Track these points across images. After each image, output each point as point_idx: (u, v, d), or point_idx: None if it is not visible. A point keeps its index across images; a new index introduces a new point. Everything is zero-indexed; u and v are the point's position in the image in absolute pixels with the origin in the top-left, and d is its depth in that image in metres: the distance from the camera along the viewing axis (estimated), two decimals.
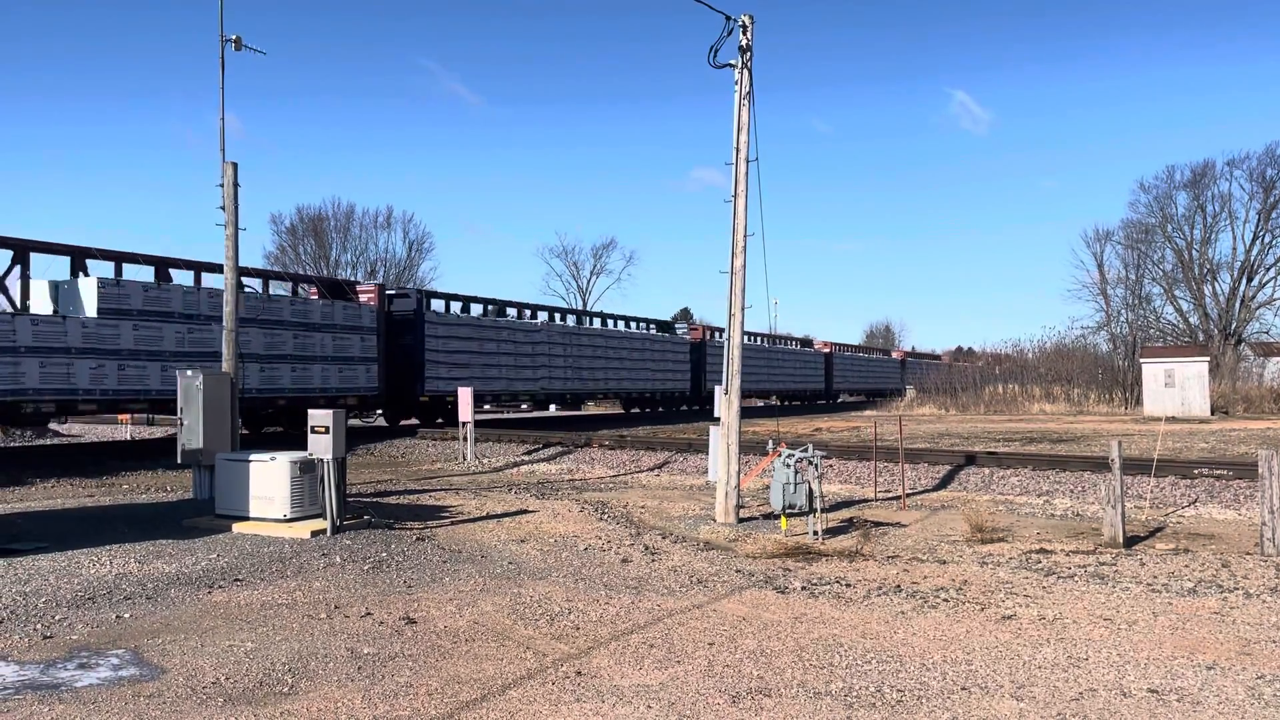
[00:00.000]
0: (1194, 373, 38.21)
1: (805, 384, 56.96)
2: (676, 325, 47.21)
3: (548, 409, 46.93)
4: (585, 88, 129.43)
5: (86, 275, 20.31)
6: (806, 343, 60.53)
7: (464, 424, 22.21)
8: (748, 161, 12.79)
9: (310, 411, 11.40)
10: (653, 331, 43.62)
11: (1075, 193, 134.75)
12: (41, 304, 19.81)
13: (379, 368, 27.16)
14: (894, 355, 77.86)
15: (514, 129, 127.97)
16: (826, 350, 61.02)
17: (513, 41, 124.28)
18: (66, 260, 20.58)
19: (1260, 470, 10.66)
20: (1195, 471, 15.64)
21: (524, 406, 46.04)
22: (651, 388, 42.09)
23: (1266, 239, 65.38)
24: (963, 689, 5.99)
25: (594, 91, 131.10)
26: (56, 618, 7.49)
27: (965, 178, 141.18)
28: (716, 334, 47.82)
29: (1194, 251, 67.54)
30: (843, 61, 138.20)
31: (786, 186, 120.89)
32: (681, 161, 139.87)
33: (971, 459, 17.83)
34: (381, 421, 31.87)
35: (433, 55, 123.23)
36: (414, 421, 30.24)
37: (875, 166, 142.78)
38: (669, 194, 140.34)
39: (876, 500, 15.32)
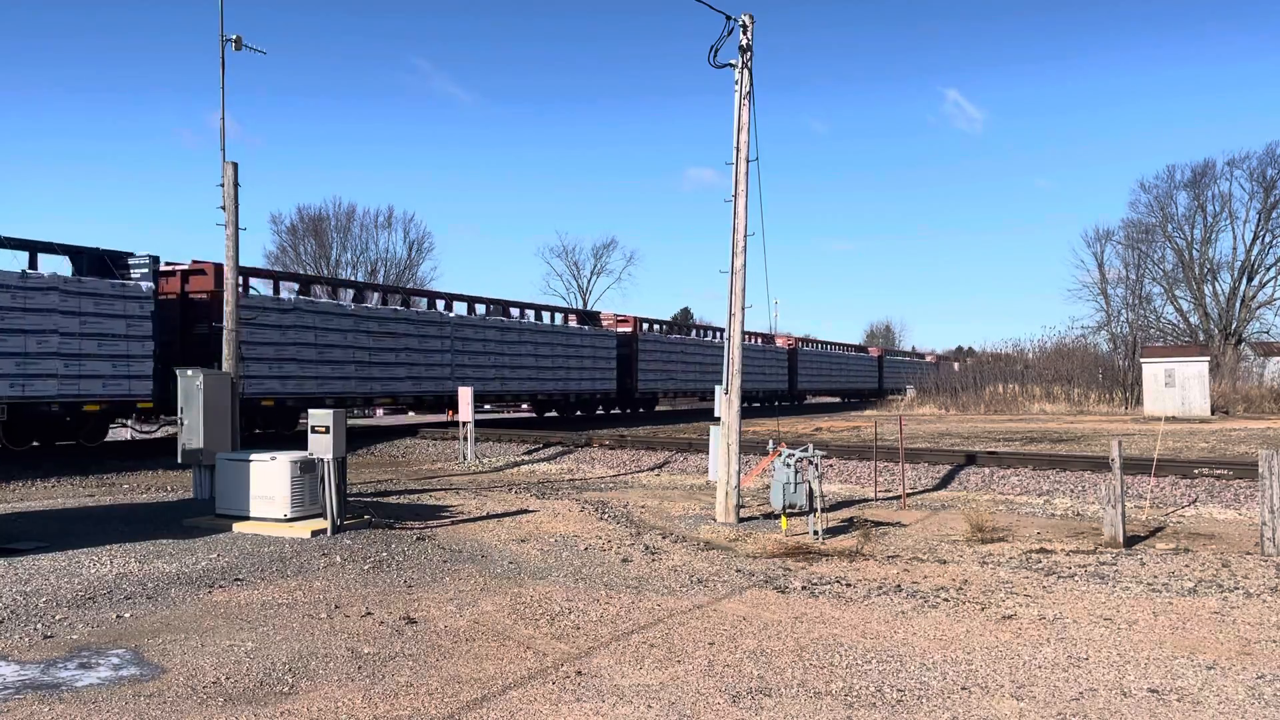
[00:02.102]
0: (1194, 372, 38.23)
1: (587, 382, 37.23)
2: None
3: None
4: (579, 86, 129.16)
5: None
6: (590, 316, 40.73)
7: (464, 424, 22.22)
8: (748, 161, 12.79)
9: (310, 411, 11.41)
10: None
11: (1074, 192, 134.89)
12: None
13: None
14: (780, 344, 55.22)
15: (512, 128, 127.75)
16: (629, 330, 40.36)
17: (504, 41, 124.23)
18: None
19: (1260, 470, 10.65)
20: (1195, 471, 15.64)
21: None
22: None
23: (1267, 239, 65.42)
24: (963, 689, 5.99)
25: (589, 90, 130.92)
26: (57, 617, 7.49)
27: (962, 177, 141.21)
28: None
29: (1194, 251, 67.56)
30: (838, 61, 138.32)
31: (784, 186, 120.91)
32: (677, 161, 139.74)
33: (972, 459, 17.83)
34: None
35: (423, 54, 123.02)
36: (410, 420, 29.41)
37: (872, 166, 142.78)
38: (667, 194, 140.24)
39: (877, 500, 15.32)
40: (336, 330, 25.51)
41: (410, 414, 38.32)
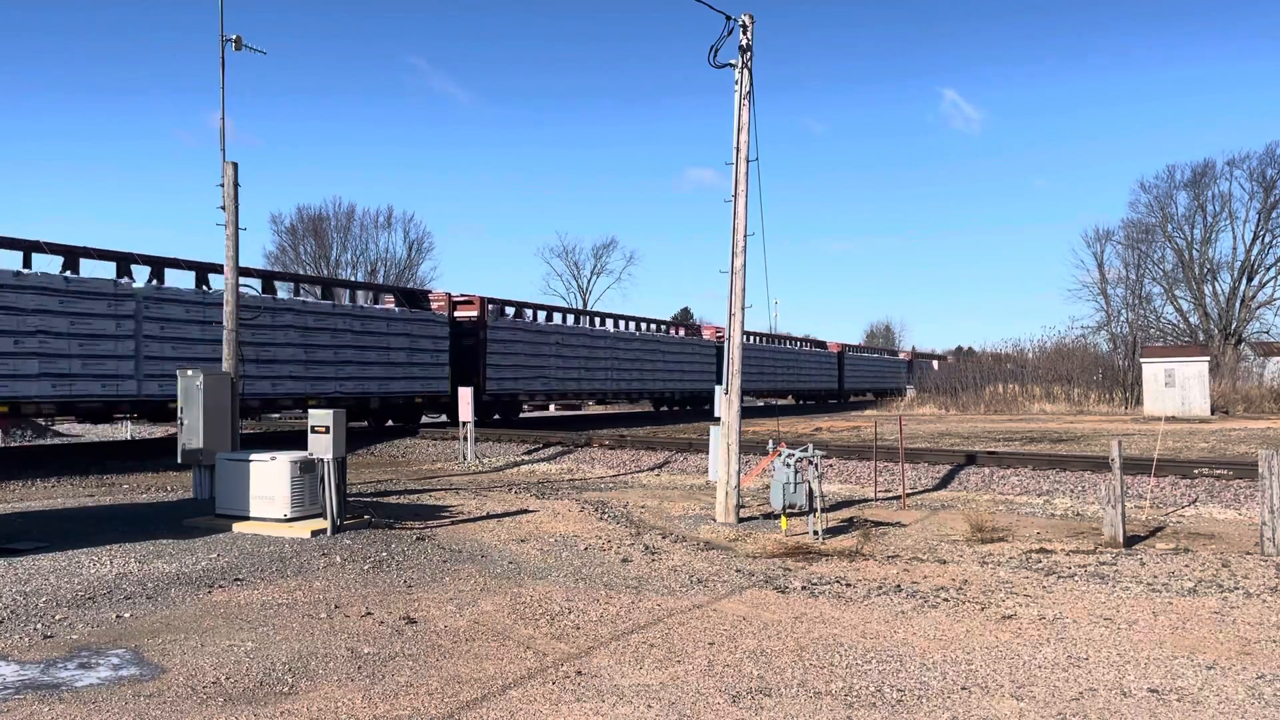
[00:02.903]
0: (1194, 372, 38.24)
1: (401, 382, 27.92)
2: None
3: None
4: (579, 86, 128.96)
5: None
6: (411, 295, 30.61)
7: (464, 424, 22.22)
8: (748, 161, 12.79)
9: (310, 411, 11.41)
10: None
11: (1073, 192, 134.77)
12: None
13: None
14: (707, 336, 46.19)
15: (512, 128, 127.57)
16: (473, 314, 31.08)
17: (503, 40, 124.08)
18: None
19: (1260, 470, 10.66)
20: (1195, 471, 15.64)
21: None
22: None
23: (1267, 239, 65.48)
24: (963, 689, 5.99)
25: (589, 90, 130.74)
26: (57, 617, 7.49)
27: (961, 177, 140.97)
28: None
29: (1194, 251, 67.60)
30: (836, 61, 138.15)
31: (783, 186, 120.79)
32: (677, 161, 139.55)
33: (972, 459, 17.83)
34: None
35: (420, 53, 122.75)
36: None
37: (871, 166, 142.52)
38: (667, 194, 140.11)
39: (877, 500, 15.32)
40: None
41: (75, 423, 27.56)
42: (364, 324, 26.67)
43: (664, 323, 43.39)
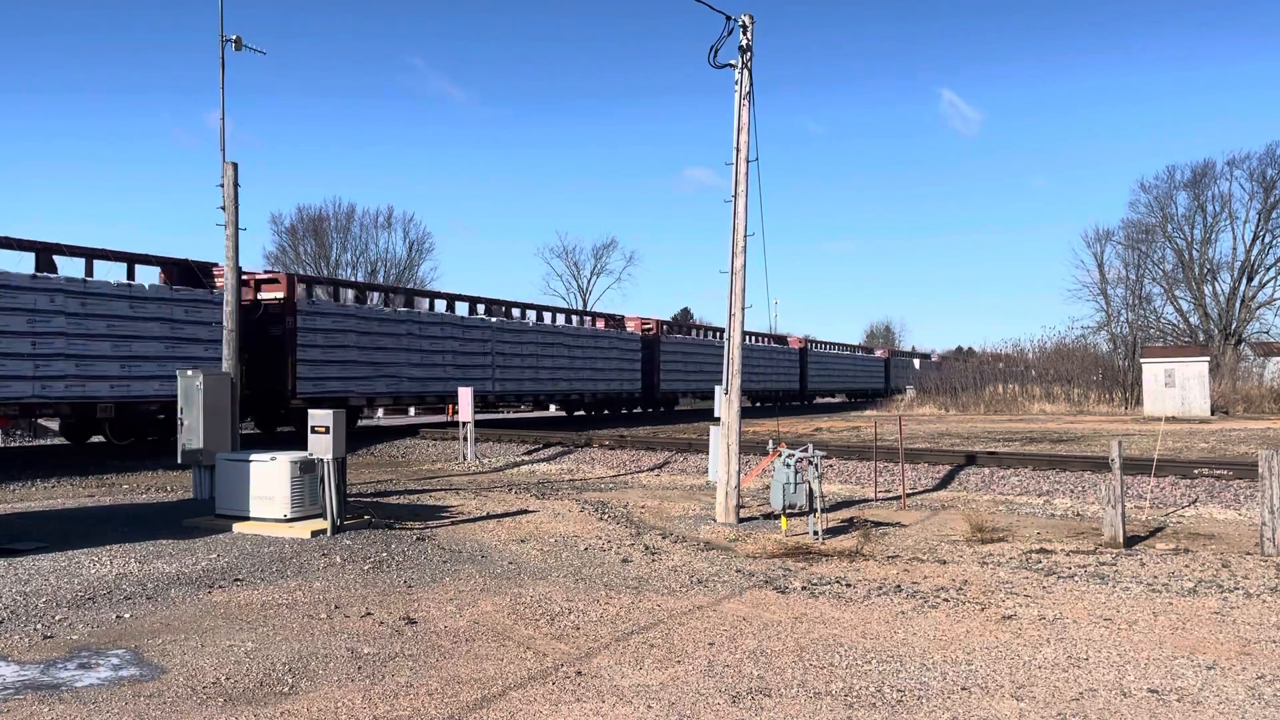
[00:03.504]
0: (1194, 373, 38.24)
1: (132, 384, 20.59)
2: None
3: None
4: (578, 86, 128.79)
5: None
6: (189, 272, 22.33)
7: (464, 424, 22.23)
8: (748, 161, 12.79)
9: (311, 411, 11.41)
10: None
11: (1072, 192, 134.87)
12: None
13: None
14: (631, 329, 40.40)
15: (511, 128, 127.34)
16: (279, 295, 24.51)
17: (502, 40, 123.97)
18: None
19: (1260, 470, 10.66)
20: (1195, 471, 15.64)
21: None
22: None
23: (1267, 239, 65.57)
24: (963, 689, 5.99)
25: (588, 90, 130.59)
26: (57, 618, 7.49)
27: (961, 177, 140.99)
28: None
29: (1194, 251, 67.65)
30: (833, 62, 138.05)
31: (783, 186, 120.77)
32: (677, 161, 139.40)
33: (972, 459, 17.83)
34: None
35: (418, 53, 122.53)
36: (412, 420, 26.09)
37: (870, 167, 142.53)
38: (666, 194, 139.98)
39: (877, 500, 15.31)
40: None
41: None
42: (87, 304, 19.53)
43: (576, 312, 38.53)
